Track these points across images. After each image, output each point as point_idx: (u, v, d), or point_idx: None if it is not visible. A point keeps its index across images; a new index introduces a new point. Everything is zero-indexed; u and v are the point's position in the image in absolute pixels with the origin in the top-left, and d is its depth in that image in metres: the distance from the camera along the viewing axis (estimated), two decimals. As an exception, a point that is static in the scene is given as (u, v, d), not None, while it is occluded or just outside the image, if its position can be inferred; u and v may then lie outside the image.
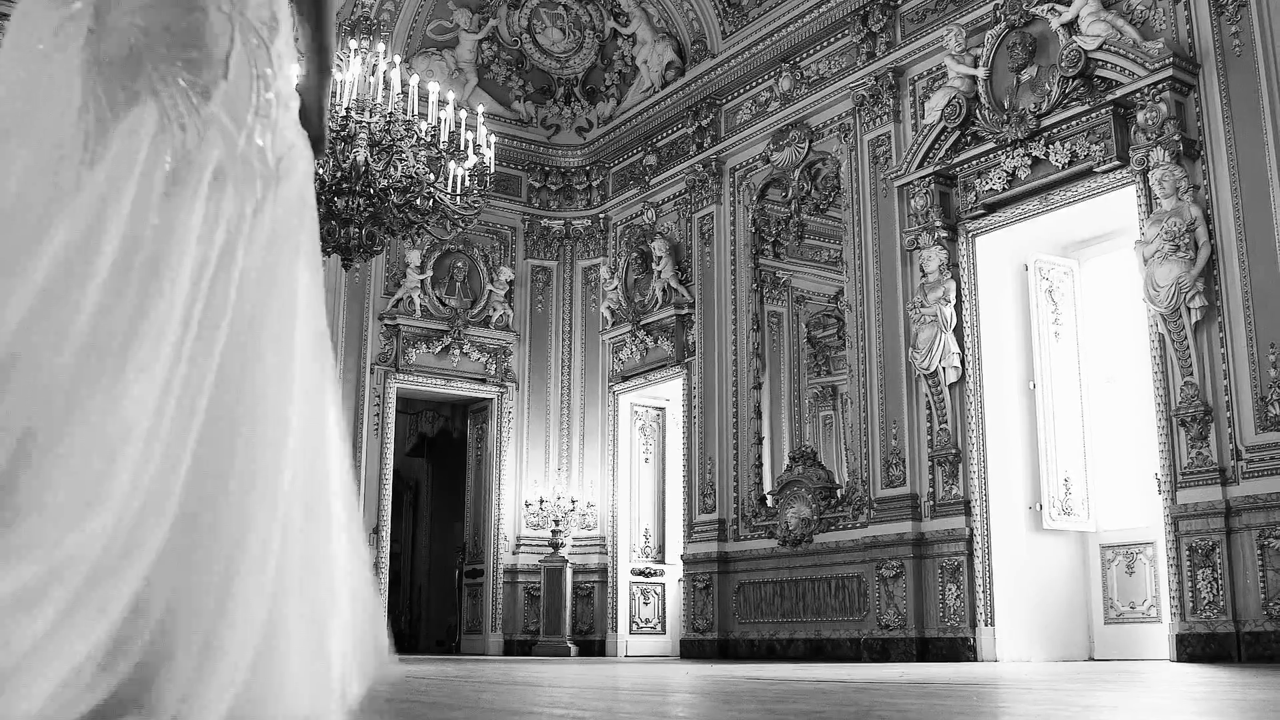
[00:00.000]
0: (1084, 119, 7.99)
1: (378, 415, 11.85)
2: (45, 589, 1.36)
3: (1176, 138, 7.44)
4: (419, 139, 8.00)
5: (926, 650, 8.55)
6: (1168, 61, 7.44)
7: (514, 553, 12.34)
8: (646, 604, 12.09)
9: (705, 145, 11.57)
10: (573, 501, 12.19)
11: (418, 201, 8.10)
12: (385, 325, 12.08)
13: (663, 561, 12.15)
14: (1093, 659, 8.49)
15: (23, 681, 1.32)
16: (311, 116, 1.83)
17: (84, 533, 1.41)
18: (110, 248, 1.47)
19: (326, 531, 1.72)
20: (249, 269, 1.62)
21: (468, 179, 8.29)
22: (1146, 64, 7.56)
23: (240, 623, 1.53)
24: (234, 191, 1.61)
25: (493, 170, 8.48)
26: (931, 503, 8.76)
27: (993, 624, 8.27)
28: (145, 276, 1.49)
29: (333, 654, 1.67)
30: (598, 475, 12.46)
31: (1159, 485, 7.46)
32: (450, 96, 8.33)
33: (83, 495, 1.43)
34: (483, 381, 12.57)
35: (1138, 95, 7.67)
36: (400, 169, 7.97)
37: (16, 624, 1.33)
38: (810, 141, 10.46)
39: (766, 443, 10.85)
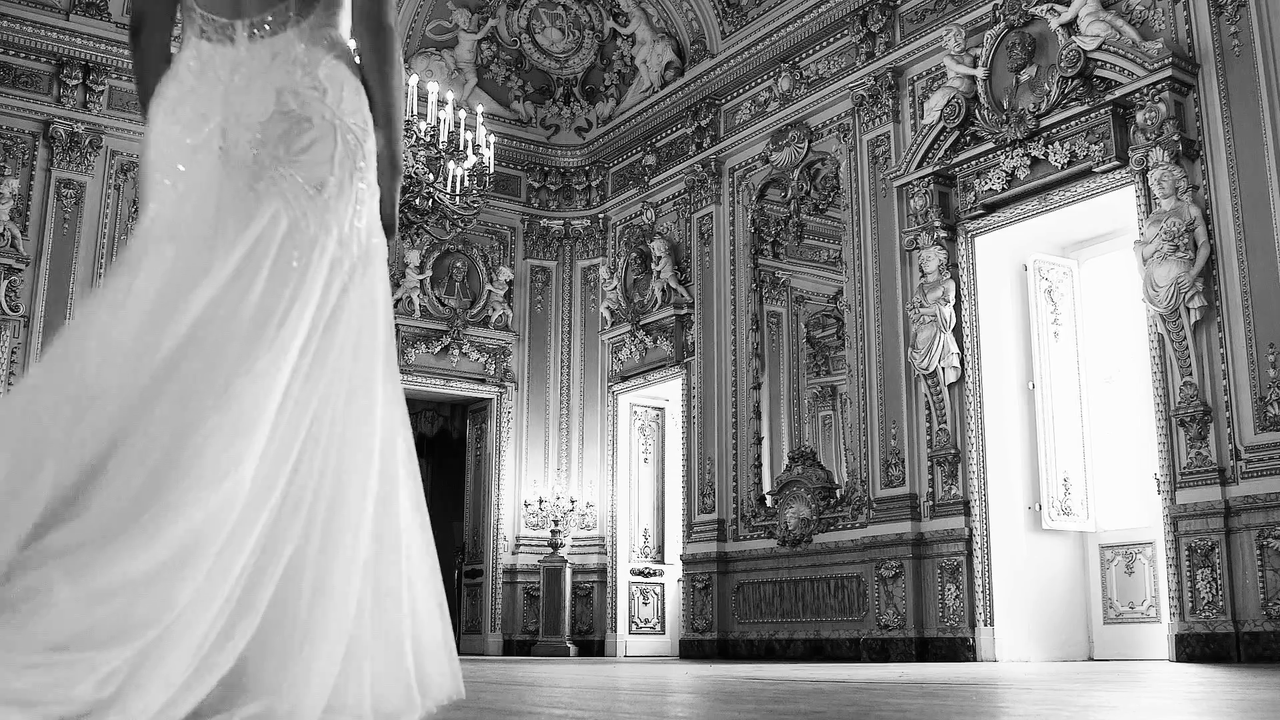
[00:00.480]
0: (1083, 119, 7.99)
1: (377, 415, 11.82)
2: (169, 567, 1.60)
3: (1176, 138, 7.44)
4: (418, 139, 8.00)
5: (926, 650, 8.55)
6: (1167, 61, 7.45)
7: (513, 553, 12.34)
8: (646, 604, 12.09)
9: (704, 145, 11.57)
10: (572, 501, 12.19)
11: (417, 201, 8.10)
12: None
13: (662, 561, 12.15)
14: (1092, 659, 8.49)
15: (138, 686, 1.51)
16: (385, 207, 2.13)
17: (190, 522, 1.64)
18: (250, 309, 1.83)
19: (399, 557, 1.95)
20: (347, 324, 1.95)
21: (467, 179, 8.30)
22: (1146, 64, 7.57)
23: (333, 618, 1.76)
24: (338, 269, 1.95)
25: (492, 170, 8.48)
26: (931, 503, 8.76)
27: (992, 624, 8.27)
28: (275, 331, 1.84)
29: (409, 663, 1.90)
30: (597, 475, 12.46)
31: (1158, 485, 7.46)
32: (449, 96, 8.34)
33: (210, 476, 1.69)
34: (482, 382, 12.57)
35: (1137, 95, 7.67)
36: (399, 169, 7.96)
37: (159, 592, 1.57)
38: (809, 141, 10.46)
39: (766, 443, 10.85)
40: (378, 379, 1.98)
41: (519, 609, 12.27)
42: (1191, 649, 6.96)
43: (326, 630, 1.75)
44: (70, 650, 1.49)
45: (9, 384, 10.18)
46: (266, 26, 2.05)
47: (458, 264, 12.57)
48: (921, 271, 9.00)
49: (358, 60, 2.15)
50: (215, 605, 1.64)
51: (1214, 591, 6.94)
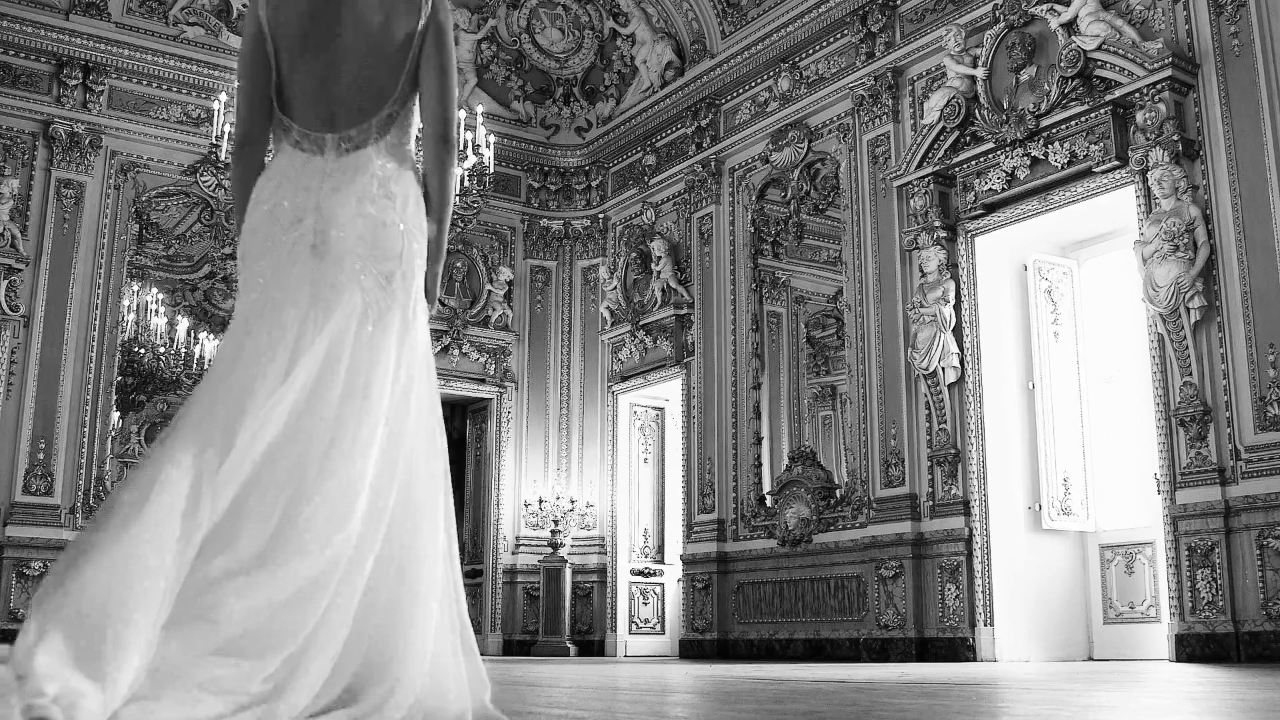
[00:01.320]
0: (1083, 119, 7.99)
1: (377, 415, 11.83)
2: (289, 605, 2.02)
3: (1175, 138, 7.44)
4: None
5: (926, 650, 8.55)
6: (1167, 61, 7.44)
7: (513, 553, 12.34)
8: (646, 604, 12.09)
9: (704, 145, 11.56)
10: (572, 501, 12.19)
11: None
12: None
13: (662, 561, 12.15)
14: (1092, 659, 8.49)
15: (293, 686, 1.96)
16: (428, 282, 2.55)
17: (332, 549, 2.09)
18: (340, 376, 2.27)
19: (457, 581, 2.38)
20: (411, 384, 2.39)
21: (467, 179, 8.30)
22: (1146, 64, 7.56)
23: (417, 640, 2.17)
24: (405, 339, 2.40)
25: (492, 170, 8.49)
26: (931, 503, 8.76)
27: (992, 624, 8.27)
28: (363, 393, 2.28)
29: (464, 671, 2.27)
30: (597, 475, 12.46)
31: (1158, 485, 7.46)
32: (449, 96, 8.33)
33: (323, 538, 2.10)
34: (482, 381, 12.57)
35: (1137, 95, 7.67)
36: (399, 169, 7.97)
37: (295, 614, 2.01)
38: (809, 141, 10.45)
39: (766, 443, 10.85)
40: (437, 430, 2.43)
41: (519, 609, 12.26)
42: (1191, 649, 6.96)
43: (415, 650, 2.15)
44: (231, 653, 1.91)
45: (8, 384, 10.19)
46: (352, 142, 2.45)
47: (458, 264, 12.56)
48: (921, 271, 9.00)
49: (419, 164, 2.58)
50: (341, 630, 2.06)
51: (1214, 591, 6.94)
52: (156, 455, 2.06)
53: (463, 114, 8.40)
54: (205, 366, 13.46)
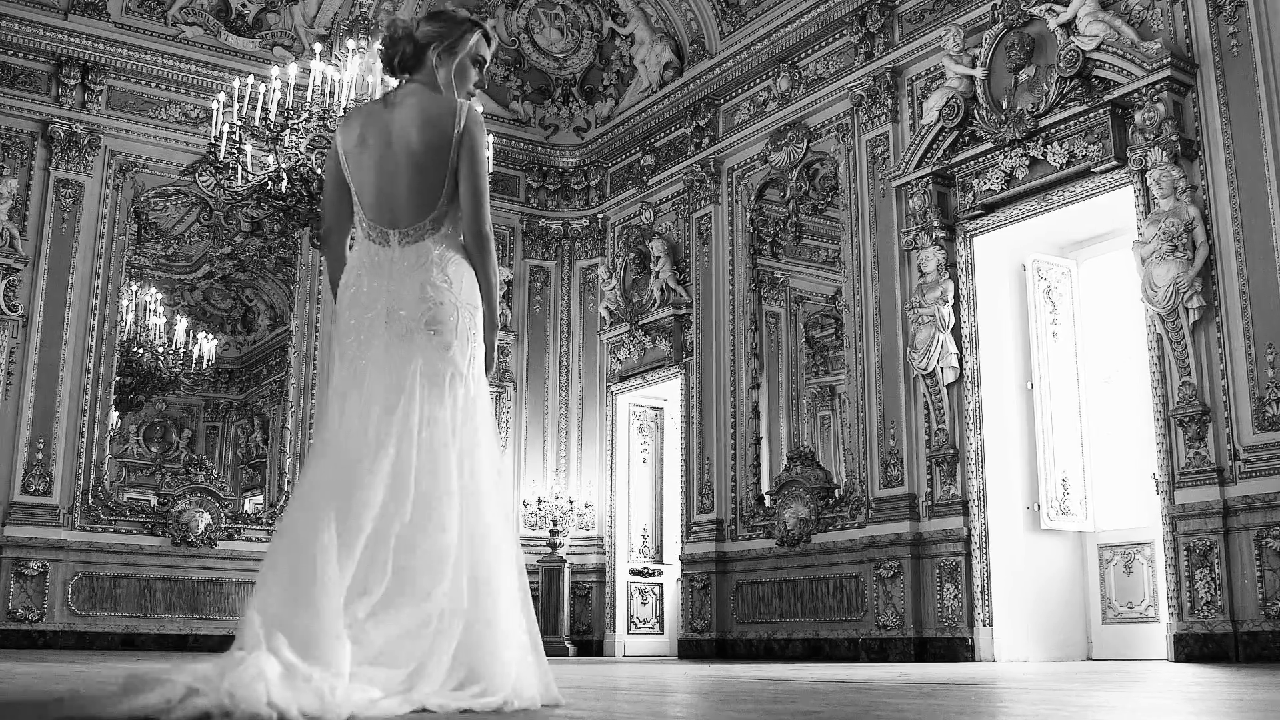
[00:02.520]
0: (1082, 119, 7.99)
1: (376, 415, 11.83)
2: (418, 631, 2.70)
3: (1174, 138, 7.44)
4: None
5: (924, 650, 8.55)
6: (1165, 62, 7.45)
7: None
8: (644, 604, 12.09)
9: (703, 145, 11.56)
10: (570, 501, 12.19)
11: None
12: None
13: (661, 561, 12.14)
14: (1090, 659, 8.50)
15: (419, 678, 2.63)
16: (487, 350, 3.14)
17: (431, 597, 2.74)
18: (416, 437, 2.88)
19: (527, 600, 3.01)
20: (472, 429, 3.00)
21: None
22: (1144, 64, 7.57)
23: (500, 651, 2.79)
24: (461, 391, 3.00)
25: (491, 170, 8.47)
26: (929, 503, 8.76)
27: (991, 624, 8.27)
28: (440, 447, 2.91)
29: (535, 667, 2.89)
30: (596, 475, 12.46)
31: (1157, 485, 7.46)
32: (448, 96, 8.32)
33: (431, 580, 2.77)
34: (481, 381, 12.54)
35: (1135, 95, 7.67)
36: (398, 169, 7.96)
37: (415, 641, 2.69)
38: (808, 141, 10.45)
39: (764, 443, 10.85)
40: (499, 477, 3.08)
41: (518, 609, 12.24)
42: (1190, 649, 6.97)
43: (500, 657, 2.78)
44: (378, 665, 2.60)
45: (7, 384, 10.19)
46: (411, 235, 3.06)
47: (456, 264, 12.55)
48: (920, 271, 9.00)
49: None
50: (449, 650, 2.71)
51: (1212, 591, 6.94)
52: (308, 520, 2.73)
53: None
54: (204, 366, 13.45)
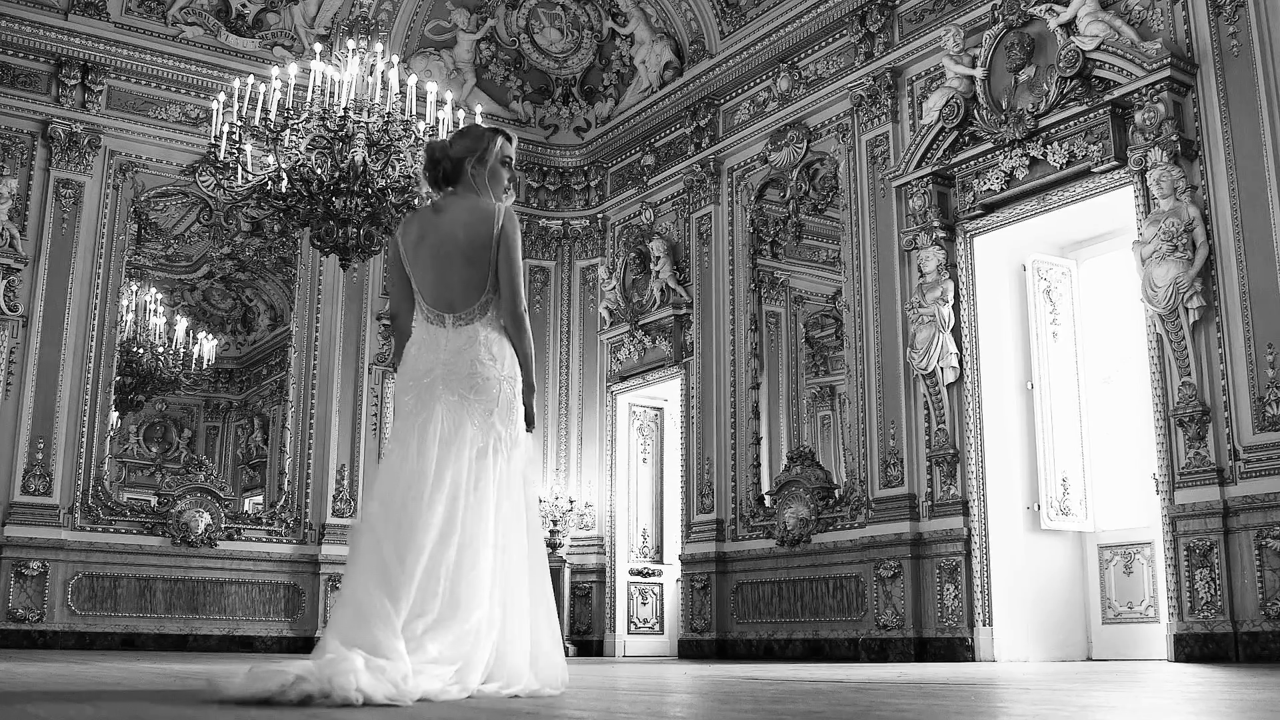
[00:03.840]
0: (1082, 119, 7.99)
1: (375, 415, 11.84)
2: (461, 639, 3.36)
3: (1174, 138, 7.44)
4: (417, 139, 8.00)
5: (924, 650, 8.55)
6: (1165, 62, 7.45)
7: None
8: (644, 604, 12.08)
9: (703, 145, 11.56)
10: (570, 502, 12.18)
11: (415, 201, 8.10)
12: (383, 325, 12.06)
13: (661, 562, 12.14)
14: (1090, 659, 8.50)
15: (467, 675, 3.30)
16: (527, 413, 3.78)
17: (471, 617, 3.40)
18: (463, 491, 3.54)
19: (551, 607, 3.73)
20: (509, 485, 3.65)
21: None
22: (1144, 64, 7.56)
23: (521, 654, 3.52)
24: (504, 452, 3.65)
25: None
26: (929, 503, 8.76)
27: (990, 624, 8.27)
28: (480, 498, 3.56)
29: (556, 663, 3.65)
30: (595, 475, 12.46)
31: (1157, 485, 7.46)
32: (448, 96, 8.33)
33: (471, 606, 3.42)
34: (481, 381, 12.54)
35: (1135, 95, 7.67)
36: (398, 169, 7.97)
37: (461, 647, 3.36)
38: (808, 142, 10.45)
39: (764, 443, 10.85)
40: (532, 513, 3.78)
41: (518, 609, 12.24)
42: (1190, 649, 6.97)
43: (519, 659, 3.49)
44: (444, 664, 3.25)
45: (7, 384, 10.19)
46: (463, 319, 3.70)
47: (456, 264, 12.55)
48: (920, 271, 9.00)
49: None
50: (487, 654, 3.40)
51: (1212, 591, 6.94)
52: (373, 561, 3.40)
53: (462, 114, 8.40)
54: (204, 366, 13.45)
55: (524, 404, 3.73)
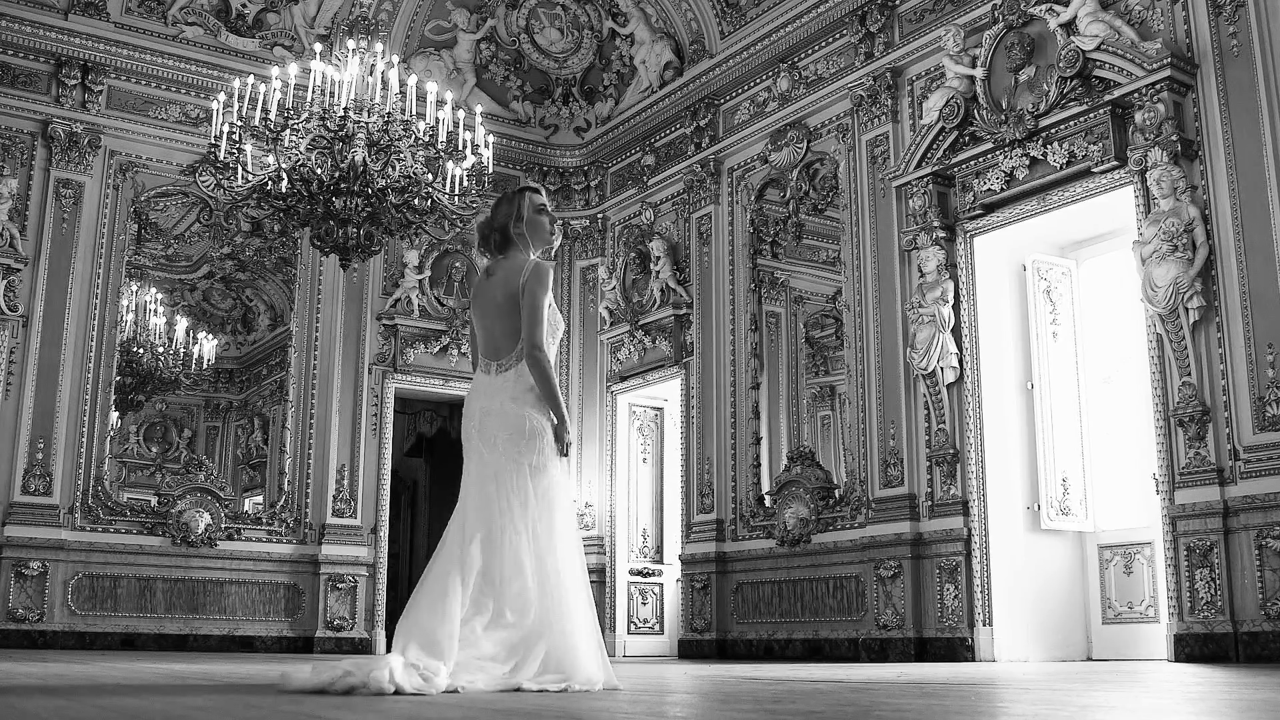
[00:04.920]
0: (1082, 119, 7.99)
1: (375, 415, 11.85)
2: (517, 643, 3.92)
3: (1174, 138, 7.44)
4: (417, 139, 7.99)
5: (924, 650, 8.55)
6: (1166, 62, 7.44)
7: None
8: (644, 604, 12.08)
9: (703, 145, 11.56)
10: (571, 502, 12.17)
11: (415, 201, 8.10)
12: (383, 325, 12.07)
13: (661, 562, 12.14)
14: (1091, 659, 8.50)
15: (518, 670, 3.85)
16: (559, 444, 4.27)
17: (523, 624, 3.95)
18: (505, 514, 4.16)
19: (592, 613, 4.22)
20: (546, 506, 4.18)
21: (465, 179, 8.28)
22: (1144, 64, 7.56)
23: (579, 653, 3.99)
24: (539, 479, 4.20)
25: (491, 170, 8.47)
26: (930, 503, 8.76)
27: (991, 624, 8.27)
28: (520, 518, 4.17)
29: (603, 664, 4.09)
30: (596, 475, 12.46)
31: (1157, 485, 7.46)
32: (448, 96, 8.33)
33: (521, 612, 3.97)
34: (481, 381, 12.53)
35: (1136, 95, 7.67)
36: (398, 169, 7.96)
37: (516, 646, 3.94)
38: (808, 142, 10.45)
39: (764, 443, 10.85)
40: (571, 530, 4.28)
41: (518, 609, 12.23)
42: (1190, 649, 6.96)
43: (578, 657, 3.97)
44: (493, 661, 3.84)
45: (7, 384, 10.19)
46: (503, 367, 4.26)
47: (456, 264, 12.56)
48: (920, 271, 9.00)
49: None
50: (540, 653, 3.91)
51: (1212, 591, 6.94)
52: (441, 569, 4.01)
53: (462, 114, 8.40)
54: (204, 366, 13.45)
55: (557, 434, 4.21)
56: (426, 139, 8.03)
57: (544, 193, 4.47)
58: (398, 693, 3.44)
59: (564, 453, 4.25)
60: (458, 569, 3.97)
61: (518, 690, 3.73)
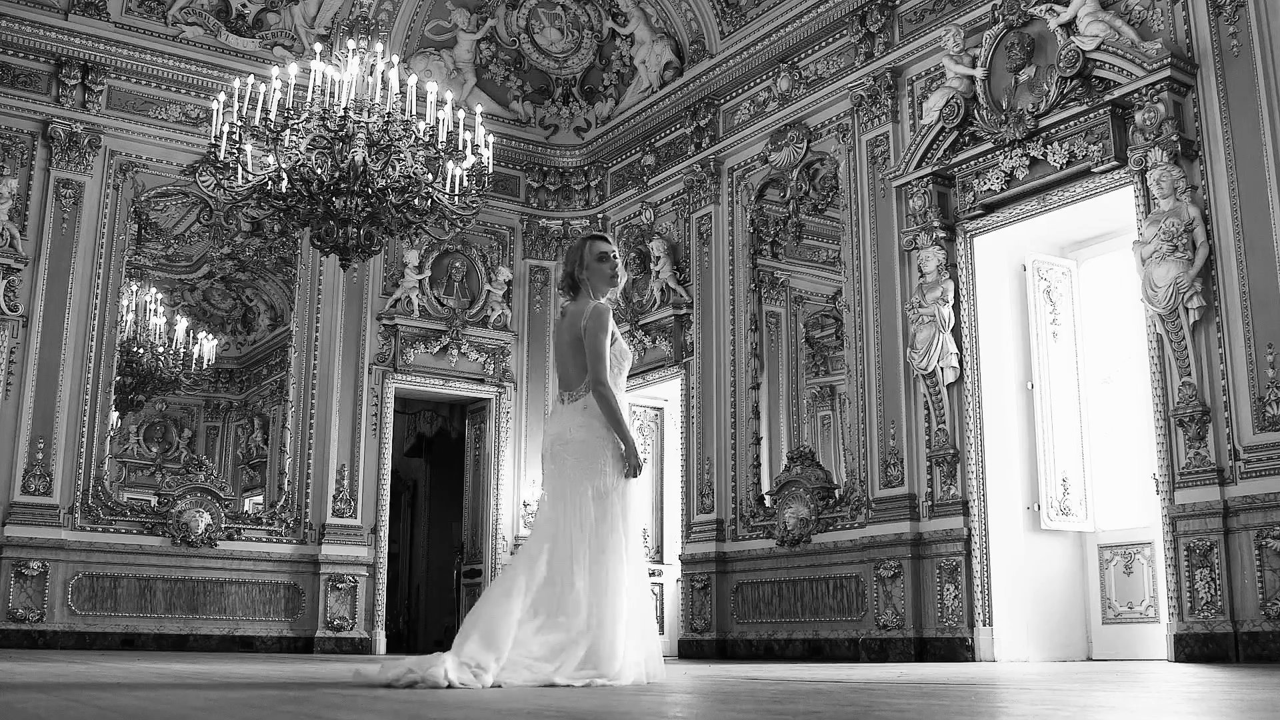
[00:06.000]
0: (1082, 119, 7.99)
1: (375, 415, 11.85)
2: (563, 645, 4.32)
3: (1174, 138, 7.44)
4: (417, 139, 7.99)
5: (925, 650, 8.55)
6: (1166, 62, 7.44)
7: (512, 553, 12.32)
8: (644, 604, 12.07)
9: (703, 145, 11.56)
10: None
11: (416, 201, 8.10)
12: (383, 325, 12.08)
13: (661, 561, 12.14)
14: (1091, 659, 8.50)
15: (560, 669, 4.23)
16: (628, 467, 4.77)
17: (573, 626, 4.37)
18: (568, 530, 4.71)
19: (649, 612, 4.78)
20: (608, 524, 4.66)
21: (466, 179, 8.28)
22: (1144, 64, 7.56)
23: (618, 653, 4.38)
24: (601, 499, 4.70)
25: (491, 170, 8.46)
26: (930, 503, 8.76)
27: (991, 624, 8.27)
28: (581, 533, 4.68)
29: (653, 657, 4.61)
30: (596, 475, 12.43)
31: (1157, 485, 7.46)
32: (448, 96, 8.33)
33: (573, 616, 4.40)
34: (481, 382, 12.56)
35: (1136, 95, 7.67)
36: (398, 169, 7.96)
37: (560, 654, 4.31)
38: (808, 142, 10.45)
39: (765, 443, 10.84)
40: (634, 536, 4.77)
41: (518, 609, 12.23)
42: (1190, 649, 6.97)
43: (617, 657, 4.36)
44: (540, 660, 4.22)
45: (7, 384, 10.19)
46: (573, 396, 4.79)
47: (456, 264, 12.56)
48: (920, 271, 9.00)
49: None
50: (580, 654, 4.27)
51: (1212, 591, 6.94)
52: (510, 575, 4.55)
53: (462, 114, 8.40)
54: (204, 366, 13.45)
55: (625, 457, 4.71)
56: (426, 139, 8.03)
57: (610, 239, 4.96)
58: (450, 686, 3.85)
59: (632, 474, 4.71)
60: (525, 574, 4.43)
61: (551, 685, 4.06)
